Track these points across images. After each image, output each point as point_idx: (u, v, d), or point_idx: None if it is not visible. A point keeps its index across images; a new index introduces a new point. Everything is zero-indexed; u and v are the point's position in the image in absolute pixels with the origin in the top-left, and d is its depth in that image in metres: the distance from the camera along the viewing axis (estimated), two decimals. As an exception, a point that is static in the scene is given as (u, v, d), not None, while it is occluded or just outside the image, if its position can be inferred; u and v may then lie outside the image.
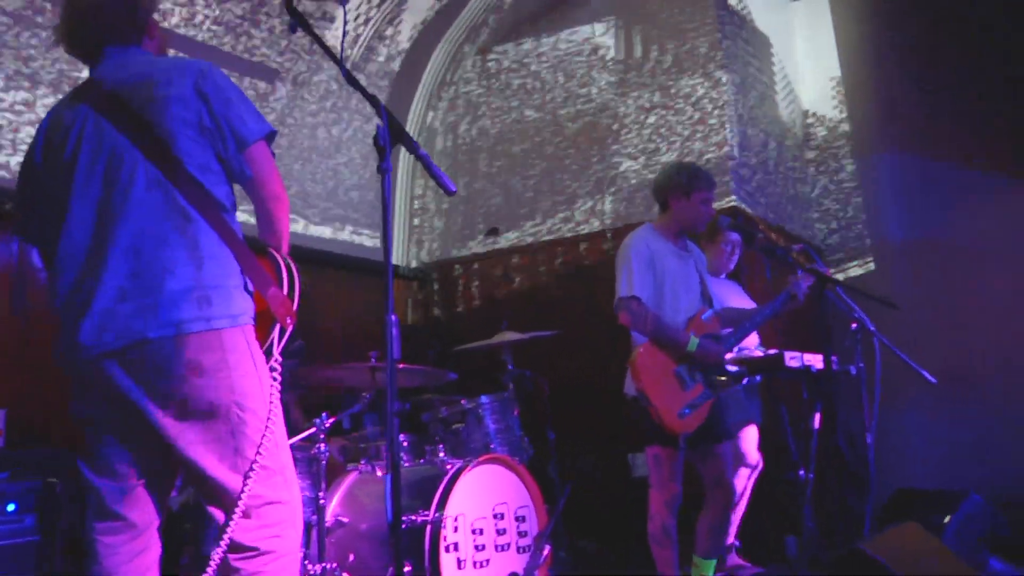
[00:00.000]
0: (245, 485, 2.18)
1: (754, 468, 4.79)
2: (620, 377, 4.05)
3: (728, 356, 4.05)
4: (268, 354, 2.33)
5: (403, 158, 7.04)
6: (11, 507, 3.42)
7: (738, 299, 4.85)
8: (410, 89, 6.95)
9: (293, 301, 2.33)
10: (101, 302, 2.17)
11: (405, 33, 6.52)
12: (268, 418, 2.25)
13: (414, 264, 7.16)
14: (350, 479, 3.92)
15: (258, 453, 2.20)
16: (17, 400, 4.12)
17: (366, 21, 6.20)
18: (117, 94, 2.29)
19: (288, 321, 2.30)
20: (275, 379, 2.30)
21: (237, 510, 2.17)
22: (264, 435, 2.23)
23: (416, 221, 7.25)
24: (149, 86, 2.28)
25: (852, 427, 4.48)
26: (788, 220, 6.64)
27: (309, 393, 4.80)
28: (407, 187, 7.22)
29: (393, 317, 2.26)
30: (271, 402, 2.27)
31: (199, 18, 5.20)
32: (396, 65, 6.64)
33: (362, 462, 4.05)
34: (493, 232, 6.91)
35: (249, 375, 2.22)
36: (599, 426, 5.79)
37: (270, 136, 2.36)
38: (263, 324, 2.31)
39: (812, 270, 3.92)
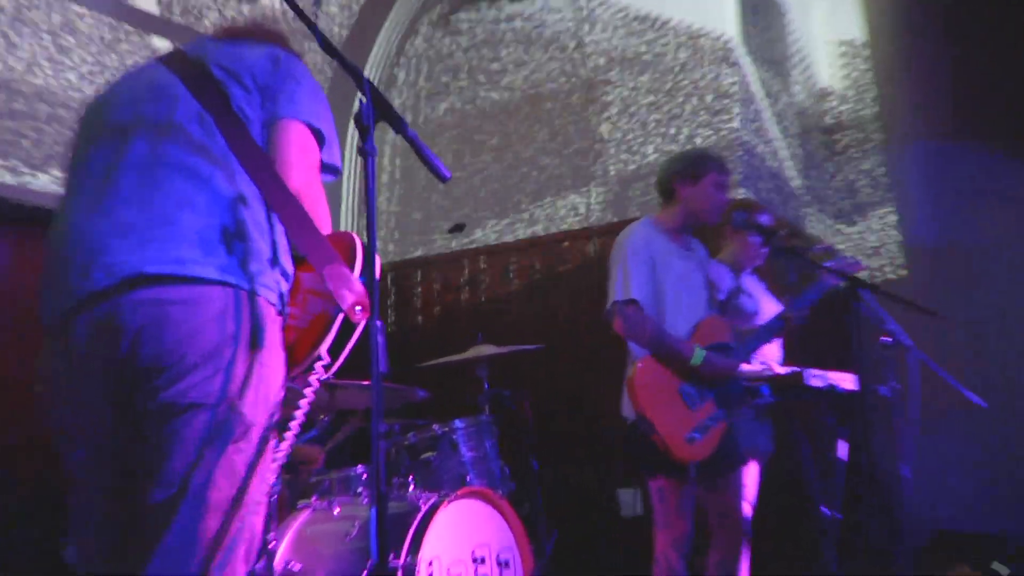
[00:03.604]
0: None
1: (752, 505, 4.86)
2: (611, 398, 4.09)
3: (746, 368, 4.12)
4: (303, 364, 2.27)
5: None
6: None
7: (762, 297, 4.92)
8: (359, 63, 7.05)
9: (369, 291, 2.22)
10: (97, 237, 2.20)
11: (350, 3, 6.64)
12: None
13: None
14: (301, 519, 3.91)
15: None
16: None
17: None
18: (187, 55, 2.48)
19: (357, 313, 2.19)
20: (304, 392, 2.26)
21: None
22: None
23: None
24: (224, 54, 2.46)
25: (883, 457, 4.56)
26: (806, 216, 6.73)
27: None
28: (354, 172, 7.27)
29: (378, 323, 2.20)
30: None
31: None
32: (342, 37, 6.73)
33: (314, 498, 4.04)
34: (458, 228, 6.95)
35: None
36: (590, 454, 5.84)
37: (318, 134, 2.44)
38: (315, 327, 2.29)
39: (839, 271, 3.99)
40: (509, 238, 6.80)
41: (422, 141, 2.39)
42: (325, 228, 2.40)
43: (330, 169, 2.53)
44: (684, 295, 4.09)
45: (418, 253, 7.13)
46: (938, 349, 4.26)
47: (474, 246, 6.92)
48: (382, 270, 7.14)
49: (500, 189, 6.91)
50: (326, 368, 2.27)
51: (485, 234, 6.89)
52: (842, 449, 4.19)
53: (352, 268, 2.25)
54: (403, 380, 4.91)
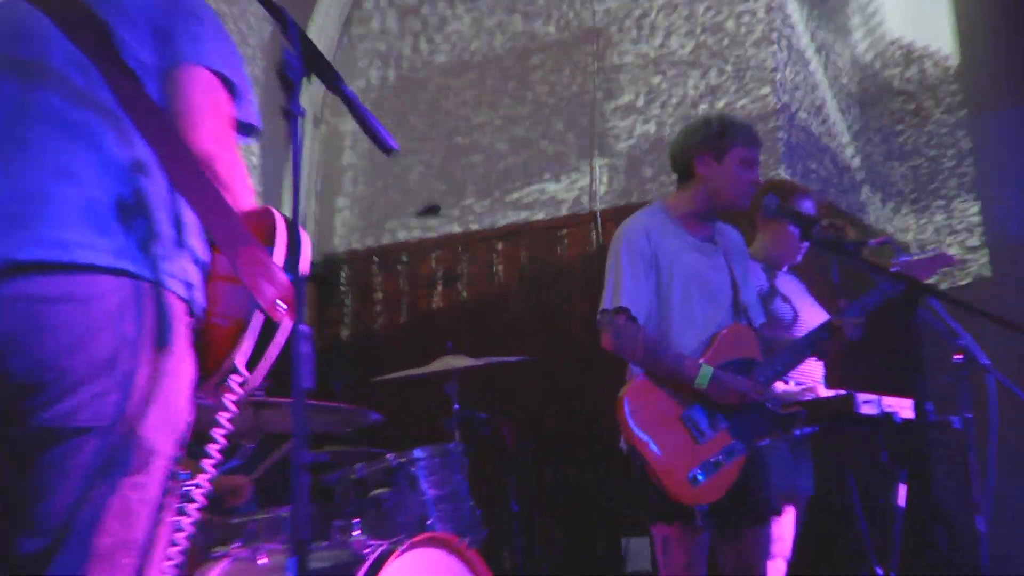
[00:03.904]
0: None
1: (787, 561, 4.70)
2: (612, 423, 4.00)
3: (780, 388, 4.06)
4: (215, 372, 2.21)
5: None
6: None
7: (802, 302, 4.85)
8: (302, 17, 7.02)
9: (294, 282, 2.17)
10: None
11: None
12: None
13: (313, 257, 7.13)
14: (217, 572, 3.85)
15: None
16: None
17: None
18: None
19: (279, 311, 2.14)
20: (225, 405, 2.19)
21: None
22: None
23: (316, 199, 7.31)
24: None
25: (952, 505, 4.51)
26: (865, 202, 6.71)
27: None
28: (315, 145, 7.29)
29: (305, 328, 2.14)
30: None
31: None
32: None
33: (234, 545, 3.99)
34: (431, 211, 6.94)
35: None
36: (589, 492, 5.82)
37: (228, 85, 2.38)
38: (230, 328, 2.23)
39: (898, 274, 3.89)
40: (494, 224, 6.77)
41: (361, 103, 2.37)
42: (242, 203, 2.34)
43: (246, 129, 2.48)
44: (698, 299, 4.07)
45: (382, 241, 7.10)
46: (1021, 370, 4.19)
47: (451, 233, 6.88)
48: (336, 261, 7.13)
49: (484, 164, 6.88)
50: (242, 383, 2.21)
51: (465, 219, 6.86)
52: (900, 494, 4.18)
53: (272, 253, 2.21)
54: (356, 398, 4.88)
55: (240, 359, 2.21)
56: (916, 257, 4.22)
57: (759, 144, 4.20)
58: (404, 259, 6.98)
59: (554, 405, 6.10)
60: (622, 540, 5.85)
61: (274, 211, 2.31)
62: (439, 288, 6.81)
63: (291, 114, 2.23)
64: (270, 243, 2.23)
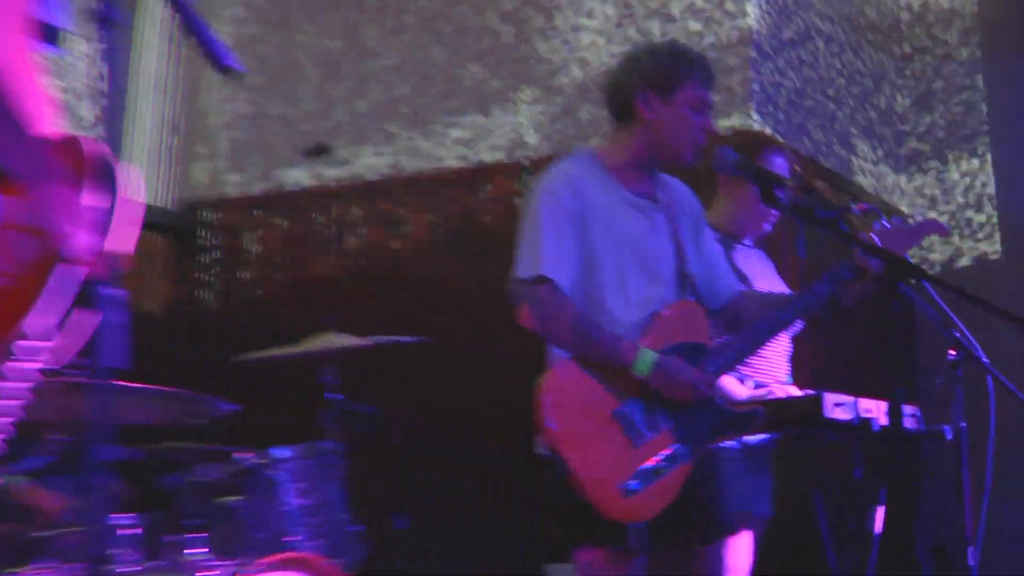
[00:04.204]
0: None
1: None
2: (528, 420, 3.82)
3: (730, 386, 4.04)
4: None
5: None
6: None
7: (766, 283, 4.76)
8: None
9: (109, 229, 2.21)
10: None
11: None
12: None
13: (167, 206, 7.15)
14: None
15: None
16: None
17: None
18: None
19: (86, 260, 2.19)
20: None
21: None
22: None
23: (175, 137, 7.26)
24: None
25: (941, 527, 4.52)
26: (854, 161, 6.73)
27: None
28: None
29: (113, 291, 2.21)
30: None
31: None
32: None
33: (32, 564, 3.90)
34: (320, 152, 6.91)
35: None
36: (506, 506, 5.83)
37: None
38: (18, 286, 2.21)
39: (883, 251, 3.89)
40: (399, 173, 6.78)
41: (194, 12, 2.39)
42: (39, 126, 2.32)
43: (49, 33, 2.48)
44: (633, 270, 3.97)
45: (259, 189, 7.09)
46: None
47: (345, 182, 6.87)
48: (200, 210, 7.09)
49: (388, 99, 6.86)
50: (33, 356, 2.22)
51: (360, 165, 6.85)
52: (877, 518, 4.16)
53: (81, 191, 2.23)
54: (208, 381, 4.81)
55: (34, 323, 2.19)
56: (899, 224, 4.16)
57: (714, 81, 4.11)
58: (285, 212, 6.97)
59: (457, 398, 6.03)
60: (542, 567, 5.76)
61: (85, 139, 2.29)
62: (328, 249, 6.81)
63: (106, 19, 2.28)
64: (79, 178, 2.24)
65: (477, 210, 6.52)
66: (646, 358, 3.80)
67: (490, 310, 5.91)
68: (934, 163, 7.31)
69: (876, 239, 4.00)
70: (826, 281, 4.08)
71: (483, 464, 5.85)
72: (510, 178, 6.44)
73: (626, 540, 3.75)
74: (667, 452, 3.83)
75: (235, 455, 4.44)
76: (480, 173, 6.56)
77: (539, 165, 6.17)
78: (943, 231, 4.32)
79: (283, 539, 4.29)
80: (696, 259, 4.17)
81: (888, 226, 4.12)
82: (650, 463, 3.80)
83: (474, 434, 5.96)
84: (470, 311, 6.22)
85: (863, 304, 4.17)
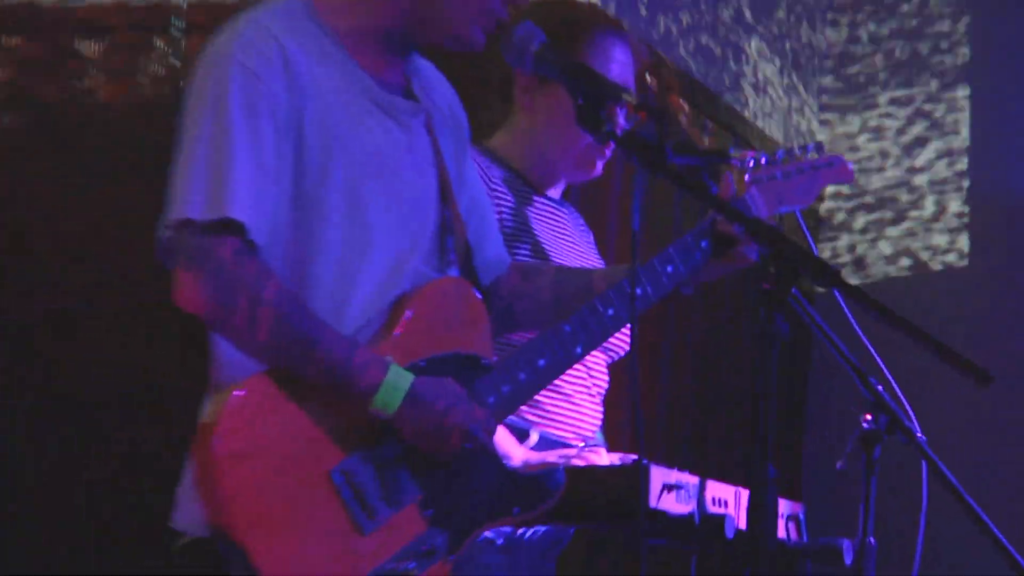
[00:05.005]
0: None
1: None
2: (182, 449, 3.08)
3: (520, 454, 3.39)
4: None
5: None
6: None
7: (582, 260, 4.14)
8: None
9: None
10: None
11: None
12: None
13: None
14: None
15: None
16: None
17: None
18: None
19: None
20: None
21: None
22: None
23: None
24: None
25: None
26: (740, 77, 6.90)
27: None
28: None
29: None
30: None
31: None
32: None
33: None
34: None
35: None
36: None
37: None
38: None
39: (768, 232, 3.05)
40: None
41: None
42: None
43: None
44: (375, 216, 3.08)
45: None
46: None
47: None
48: None
49: None
50: None
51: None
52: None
53: None
54: None
55: None
56: (786, 166, 3.52)
57: None
58: None
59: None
60: None
61: None
62: None
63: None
64: None
65: (90, 89, 5.91)
66: (397, 382, 2.98)
67: (117, 268, 5.40)
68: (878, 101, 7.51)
69: (754, 194, 3.46)
70: (673, 259, 3.42)
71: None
72: (147, 36, 5.81)
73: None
74: (414, 541, 3.08)
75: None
76: (91, 27, 5.91)
77: (198, 16, 5.65)
78: (846, 176, 3.73)
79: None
80: (465, 203, 3.45)
81: (771, 168, 3.54)
82: (386, 562, 3.02)
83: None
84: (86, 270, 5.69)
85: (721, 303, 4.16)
